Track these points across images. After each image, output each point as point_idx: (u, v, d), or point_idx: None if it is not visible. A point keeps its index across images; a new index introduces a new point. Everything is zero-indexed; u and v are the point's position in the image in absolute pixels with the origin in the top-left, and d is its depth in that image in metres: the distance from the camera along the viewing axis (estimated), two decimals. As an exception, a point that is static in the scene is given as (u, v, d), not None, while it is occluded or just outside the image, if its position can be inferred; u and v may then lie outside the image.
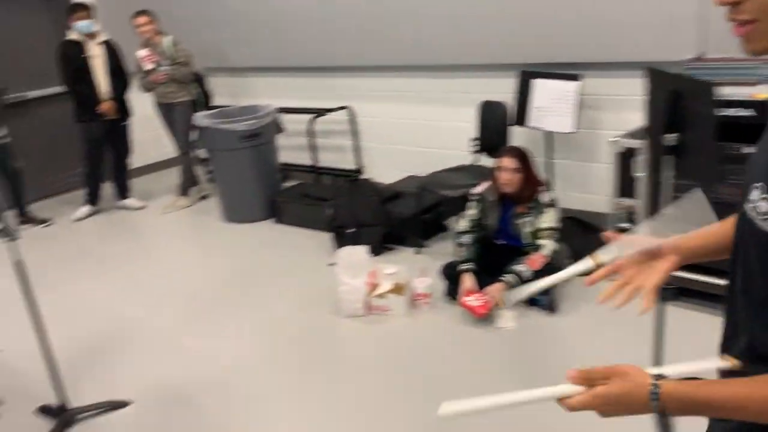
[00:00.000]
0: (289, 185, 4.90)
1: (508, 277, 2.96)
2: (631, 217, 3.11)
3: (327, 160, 5.09)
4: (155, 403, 2.66)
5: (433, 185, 3.77)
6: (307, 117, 4.89)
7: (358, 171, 4.92)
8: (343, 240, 3.93)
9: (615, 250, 1.00)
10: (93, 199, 5.16)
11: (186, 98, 4.93)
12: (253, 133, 4.53)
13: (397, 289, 3.18)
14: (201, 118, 4.62)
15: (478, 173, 3.69)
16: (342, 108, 4.88)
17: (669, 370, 0.83)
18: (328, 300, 3.33)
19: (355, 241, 3.86)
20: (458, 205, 3.44)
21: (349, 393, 2.61)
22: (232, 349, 3.04)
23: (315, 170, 4.94)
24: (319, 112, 4.81)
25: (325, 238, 4.20)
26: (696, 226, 0.97)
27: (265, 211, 4.73)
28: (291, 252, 4.13)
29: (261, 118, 4.54)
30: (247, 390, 2.70)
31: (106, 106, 4.79)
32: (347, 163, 5.07)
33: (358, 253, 3.26)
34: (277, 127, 4.76)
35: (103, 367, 2.98)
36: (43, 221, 5.07)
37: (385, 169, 4.86)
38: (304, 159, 5.23)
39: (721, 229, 1.03)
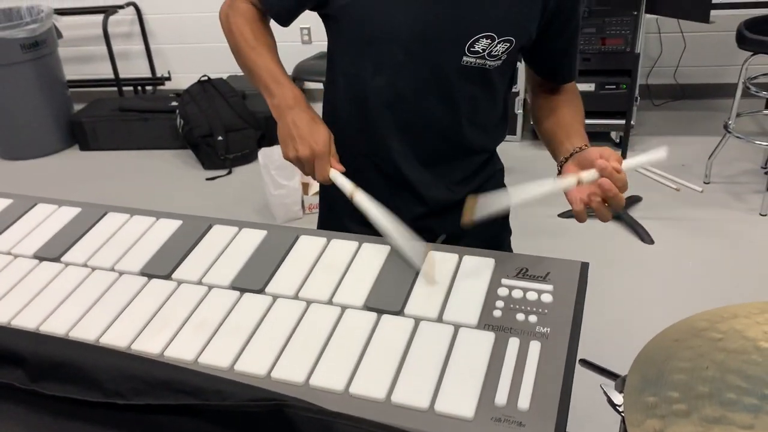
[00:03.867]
0: (83, 105, 4.02)
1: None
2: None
3: (106, 70, 4.26)
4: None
5: (303, 75, 3.51)
6: (86, 19, 4.01)
7: (165, 78, 4.26)
8: (208, 150, 3.46)
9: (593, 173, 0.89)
10: None
11: None
12: (35, 42, 3.57)
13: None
14: (-50, 26, 3.45)
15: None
16: (126, 5, 4.10)
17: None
18: (250, 210, 2.97)
19: (226, 150, 3.44)
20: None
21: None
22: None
23: (117, 82, 4.12)
24: (108, 11, 3.97)
25: (169, 155, 3.65)
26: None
27: (60, 140, 3.85)
28: (144, 179, 3.49)
29: (41, 22, 3.59)
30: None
31: None
32: (139, 71, 4.34)
33: (283, 151, 2.93)
34: (57, 33, 3.82)
35: None
36: None
37: (189, 74, 4.29)
38: (88, 72, 4.32)
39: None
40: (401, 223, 0.97)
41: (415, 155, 1.13)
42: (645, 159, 0.92)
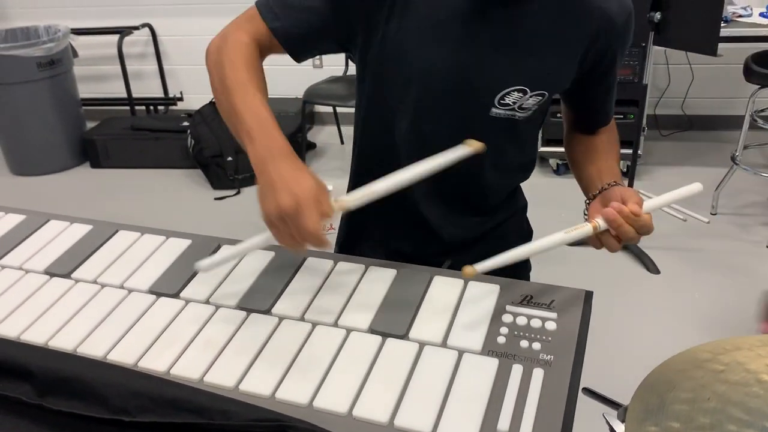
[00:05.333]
0: (95, 123, 4.07)
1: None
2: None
3: (119, 89, 4.31)
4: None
5: (313, 99, 3.55)
6: (102, 39, 4.08)
7: (177, 98, 4.31)
8: (217, 170, 3.49)
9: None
10: None
11: None
12: (51, 60, 3.63)
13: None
14: (-32, 43, 3.52)
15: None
16: (141, 26, 4.16)
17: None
18: (256, 231, 2.98)
19: (235, 170, 3.47)
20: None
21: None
22: None
23: (130, 101, 4.18)
24: (123, 31, 4.04)
25: (179, 174, 3.68)
26: None
27: (72, 157, 3.89)
28: (153, 198, 3.52)
29: (57, 41, 3.65)
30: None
31: None
32: (151, 91, 4.39)
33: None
34: (73, 52, 3.88)
35: None
36: None
37: (201, 95, 4.35)
38: (102, 91, 4.39)
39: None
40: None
41: (435, 196, 1.10)
42: (670, 197, 0.91)
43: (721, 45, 2.37)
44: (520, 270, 1.28)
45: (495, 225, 1.19)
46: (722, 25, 2.47)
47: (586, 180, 1.09)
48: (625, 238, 0.89)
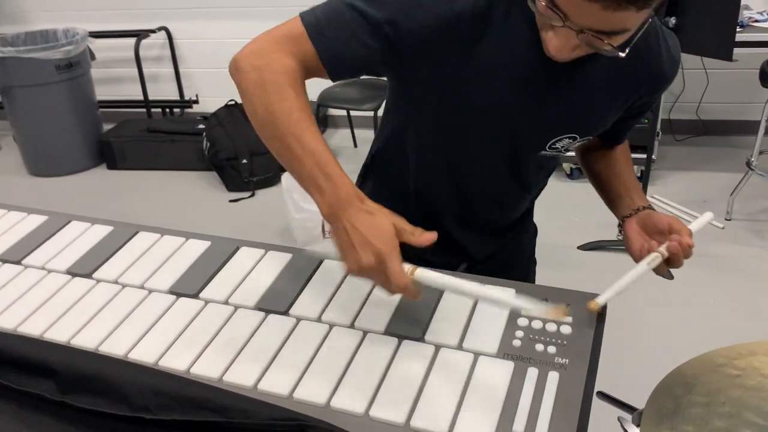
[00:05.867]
0: (112, 125, 4.11)
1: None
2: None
3: (136, 92, 4.35)
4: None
5: (327, 102, 3.57)
6: (119, 42, 4.12)
7: (193, 101, 4.35)
8: (232, 173, 3.52)
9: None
10: None
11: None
12: (69, 63, 3.68)
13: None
14: (-11, 46, 3.57)
15: (370, 86, 3.61)
16: (158, 30, 4.20)
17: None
18: (271, 233, 3.00)
19: (250, 173, 3.50)
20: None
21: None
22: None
23: (146, 104, 4.22)
24: (140, 35, 4.08)
25: (194, 176, 3.71)
26: None
27: (89, 158, 3.93)
28: (169, 199, 3.55)
29: (75, 44, 3.69)
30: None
31: None
32: (167, 94, 4.43)
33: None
34: (91, 55, 3.93)
35: None
36: None
37: (216, 98, 4.38)
38: (119, 93, 4.43)
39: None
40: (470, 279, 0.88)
41: (470, 222, 1.13)
42: (697, 226, 1.02)
43: (736, 50, 2.37)
44: (527, 271, 1.31)
45: (515, 235, 1.22)
46: (738, 29, 2.46)
47: (611, 194, 1.13)
48: (676, 266, 0.97)
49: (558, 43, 0.82)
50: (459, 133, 1.00)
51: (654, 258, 0.95)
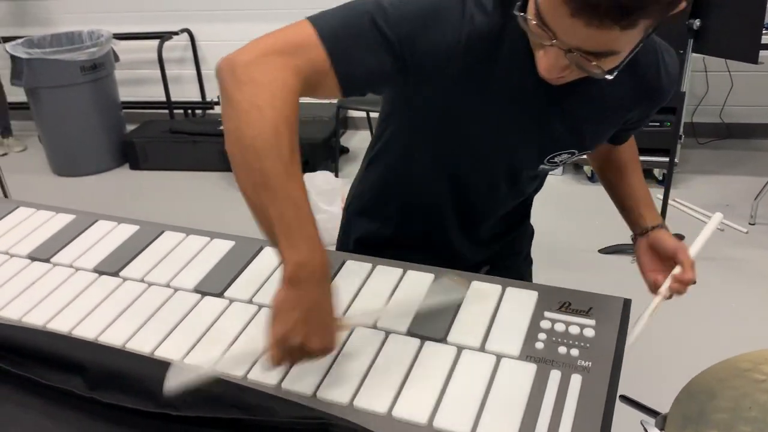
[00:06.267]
0: (135, 126, 4.16)
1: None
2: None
3: (159, 93, 4.40)
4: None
5: (346, 103, 3.59)
6: (142, 44, 4.17)
7: (215, 102, 4.39)
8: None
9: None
10: None
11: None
12: (94, 64, 3.73)
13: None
14: (16, 47, 3.63)
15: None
16: (180, 32, 4.25)
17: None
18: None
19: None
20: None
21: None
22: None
23: (169, 105, 4.26)
24: (163, 37, 4.13)
25: (215, 177, 3.74)
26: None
27: (112, 158, 3.98)
28: (190, 199, 3.58)
29: (100, 46, 3.75)
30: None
31: None
32: (190, 95, 4.48)
33: (326, 177, 2.99)
34: (115, 57, 3.98)
35: None
36: None
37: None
38: (142, 94, 4.49)
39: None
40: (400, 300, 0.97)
41: (468, 230, 1.14)
42: (705, 237, 1.08)
43: (762, 52, 2.34)
44: (523, 272, 1.32)
45: (511, 239, 1.25)
46: (764, 31, 2.43)
47: (622, 204, 1.17)
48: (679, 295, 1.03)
49: (548, 63, 0.81)
50: (457, 150, 1.01)
51: (657, 304, 1.00)
